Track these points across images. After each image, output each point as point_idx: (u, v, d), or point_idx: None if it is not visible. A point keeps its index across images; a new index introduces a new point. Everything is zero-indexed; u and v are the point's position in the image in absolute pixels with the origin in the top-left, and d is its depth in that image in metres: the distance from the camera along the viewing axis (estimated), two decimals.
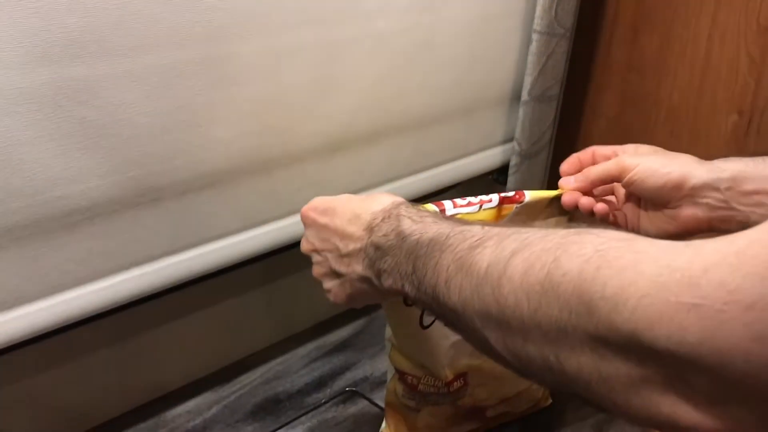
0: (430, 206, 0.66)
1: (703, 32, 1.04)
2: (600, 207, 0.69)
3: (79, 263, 0.67)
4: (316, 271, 0.62)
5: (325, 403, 0.87)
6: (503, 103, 1.04)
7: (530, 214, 0.71)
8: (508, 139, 1.08)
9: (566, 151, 1.25)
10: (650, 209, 0.66)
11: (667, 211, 0.64)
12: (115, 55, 0.61)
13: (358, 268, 0.56)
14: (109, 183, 0.65)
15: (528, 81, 1.00)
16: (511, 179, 1.08)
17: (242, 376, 0.92)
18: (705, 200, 0.61)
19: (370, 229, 0.55)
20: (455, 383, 0.74)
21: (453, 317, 0.46)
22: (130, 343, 0.83)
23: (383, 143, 0.89)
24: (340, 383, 0.91)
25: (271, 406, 0.87)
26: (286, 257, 0.87)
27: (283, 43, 0.73)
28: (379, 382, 0.91)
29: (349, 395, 0.89)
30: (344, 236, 0.57)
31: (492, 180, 1.15)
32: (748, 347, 0.28)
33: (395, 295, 0.54)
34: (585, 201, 0.69)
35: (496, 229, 0.45)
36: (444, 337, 0.72)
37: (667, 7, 1.07)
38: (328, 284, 0.61)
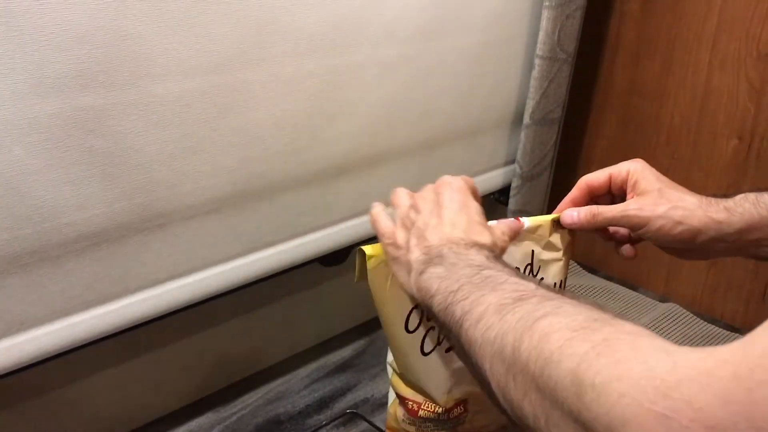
0: None
1: (704, 58, 1.06)
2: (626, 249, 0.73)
3: (85, 288, 0.68)
4: (404, 222, 0.62)
5: (325, 425, 0.88)
6: (505, 126, 1.05)
7: (535, 241, 0.72)
8: (510, 161, 1.09)
9: (567, 172, 1.27)
10: None
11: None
12: (123, 85, 0.62)
13: (416, 253, 0.57)
14: (115, 209, 0.66)
15: (530, 105, 1.01)
16: (512, 201, 1.09)
17: (244, 396, 0.92)
18: (715, 248, 0.64)
19: (449, 240, 0.57)
20: (455, 410, 0.74)
21: (466, 347, 0.48)
22: (132, 363, 0.84)
23: (387, 166, 0.90)
24: (341, 405, 0.91)
25: (273, 428, 0.87)
26: (291, 276, 0.88)
27: (289, 70, 0.74)
28: (380, 404, 0.91)
29: (349, 417, 0.89)
30: (436, 227, 0.58)
31: (494, 200, 1.16)
32: None
33: (415, 294, 0.56)
34: (584, 209, 0.70)
35: (542, 291, 0.47)
36: (444, 364, 0.72)
37: (668, 33, 1.08)
38: (399, 235, 0.61)
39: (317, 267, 0.93)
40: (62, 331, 0.67)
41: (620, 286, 1.22)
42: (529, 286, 0.48)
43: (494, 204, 1.17)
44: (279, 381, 0.96)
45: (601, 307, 0.43)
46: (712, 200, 0.64)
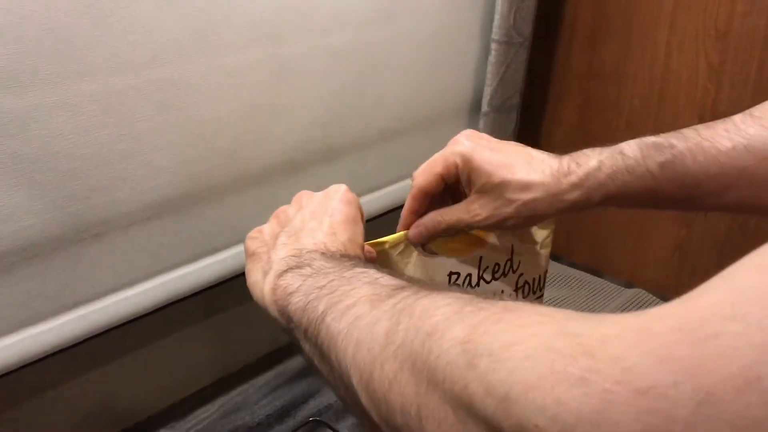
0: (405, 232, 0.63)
1: (662, 38, 1.03)
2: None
3: (17, 307, 0.62)
4: (278, 215, 0.57)
5: None
6: (464, 114, 1.01)
7: (514, 235, 0.68)
8: None
9: None
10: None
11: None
12: (48, 84, 0.56)
13: (282, 252, 0.50)
14: (46, 220, 0.61)
15: (488, 91, 0.98)
16: None
17: (198, 410, 0.87)
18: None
19: (324, 247, 0.51)
20: None
21: (325, 345, 0.40)
22: (76, 382, 0.78)
23: (341, 161, 0.86)
24: (304, 413, 0.87)
25: None
26: (239, 282, 0.82)
27: (231, 62, 0.69)
28: (344, 410, 0.87)
29: (313, 425, 0.85)
30: (314, 230, 0.52)
31: None
32: None
33: (264, 299, 0.49)
34: (427, 220, 0.63)
35: (426, 283, 0.40)
36: None
37: (625, 14, 1.05)
38: (256, 244, 0.55)
39: None
40: None
41: (585, 273, 1.20)
42: (412, 282, 0.41)
43: None
44: (236, 391, 0.91)
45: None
46: (562, 173, 0.56)
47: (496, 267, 0.69)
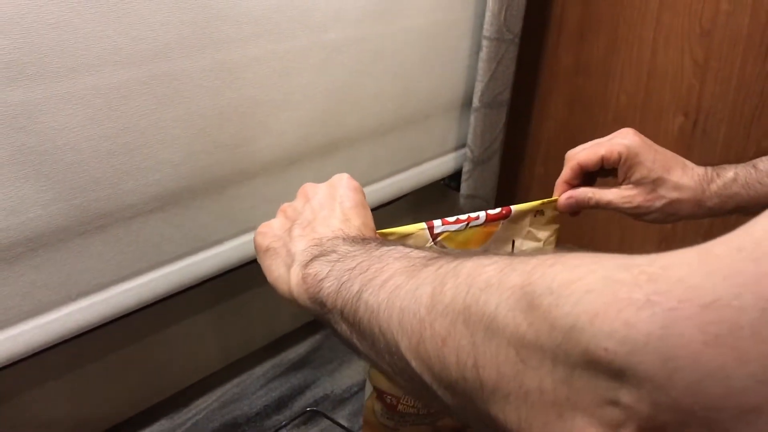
0: (419, 224, 0.65)
1: (648, 35, 1.06)
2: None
3: (22, 297, 0.63)
4: (285, 209, 0.58)
5: (285, 425, 0.85)
6: (455, 110, 1.03)
7: (516, 231, 0.70)
8: (461, 146, 1.07)
9: (516, 155, 1.26)
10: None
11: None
12: (54, 77, 0.57)
13: (301, 244, 0.51)
14: (51, 212, 0.61)
15: (479, 87, 0.99)
16: (464, 185, 1.08)
17: (198, 400, 0.89)
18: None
19: (343, 233, 0.51)
20: None
21: (365, 320, 0.41)
22: (79, 372, 0.79)
23: (338, 155, 0.87)
24: (300, 403, 0.88)
25: (230, 431, 0.84)
26: (237, 274, 0.84)
27: (234, 57, 0.70)
28: (341, 400, 0.89)
29: (310, 415, 0.87)
30: (327, 218, 0.53)
31: (443, 185, 1.15)
32: (698, 351, 0.24)
33: (291, 290, 0.49)
34: (580, 193, 0.71)
35: (466, 253, 0.41)
36: None
37: (612, 11, 1.08)
38: (268, 239, 0.55)
39: None
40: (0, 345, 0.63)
41: None
42: (443, 252, 0.43)
43: (444, 189, 1.15)
44: (234, 382, 0.92)
45: None
46: (706, 180, 0.66)
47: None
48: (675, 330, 0.25)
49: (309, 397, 0.89)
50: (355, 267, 0.44)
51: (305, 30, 0.75)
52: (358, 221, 0.53)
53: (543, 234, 0.73)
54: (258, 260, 0.55)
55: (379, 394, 0.74)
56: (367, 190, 0.93)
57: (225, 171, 0.74)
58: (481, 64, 0.98)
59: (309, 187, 0.58)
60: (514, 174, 1.28)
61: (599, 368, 0.27)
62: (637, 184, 0.68)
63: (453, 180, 1.13)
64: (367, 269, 0.43)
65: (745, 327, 0.24)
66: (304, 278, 0.48)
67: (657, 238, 1.13)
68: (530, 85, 1.20)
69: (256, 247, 0.55)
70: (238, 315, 0.95)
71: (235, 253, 0.79)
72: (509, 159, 1.24)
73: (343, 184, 0.57)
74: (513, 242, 0.71)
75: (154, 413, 0.86)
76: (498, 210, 0.68)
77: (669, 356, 0.25)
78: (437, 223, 0.66)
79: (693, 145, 1.06)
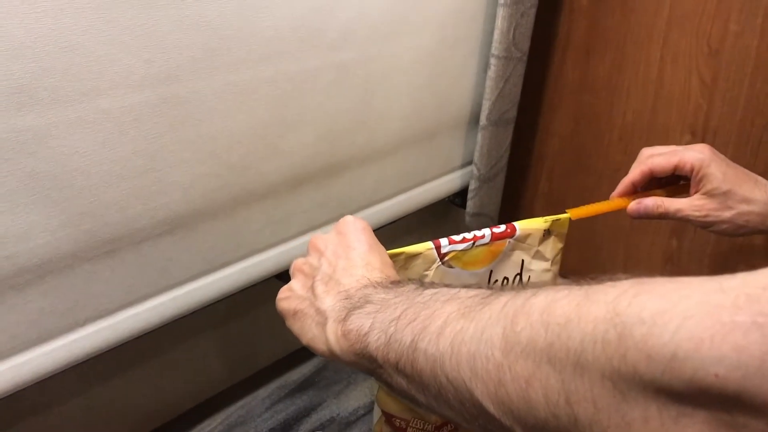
0: (427, 243, 0.65)
1: (655, 54, 1.05)
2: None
3: (29, 325, 0.61)
4: (301, 268, 0.56)
5: None
6: (462, 128, 1.02)
7: (524, 250, 0.69)
8: (467, 163, 1.07)
9: (519, 172, 1.25)
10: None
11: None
12: (66, 101, 0.56)
13: (329, 300, 0.50)
14: (60, 238, 0.60)
15: (486, 106, 0.99)
16: (470, 203, 1.07)
17: (202, 424, 0.87)
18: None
19: (369, 281, 0.50)
20: (445, 427, 0.72)
21: (427, 372, 0.40)
22: (79, 398, 0.77)
23: (345, 175, 0.86)
24: (307, 426, 0.87)
25: None
26: (245, 294, 0.83)
27: (244, 78, 0.69)
28: (347, 423, 0.88)
29: None
30: (347, 268, 0.52)
31: (448, 202, 1.14)
32: None
33: (334, 349, 0.47)
34: (650, 201, 0.72)
35: (508, 289, 0.41)
36: None
37: (620, 29, 1.07)
38: (293, 302, 0.54)
39: (273, 281, 0.88)
40: (6, 373, 0.61)
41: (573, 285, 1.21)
42: (488, 290, 0.41)
43: (449, 207, 1.15)
44: (239, 404, 0.91)
45: None
46: None
47: (505, 281, 0.70)
48: None
49: (315, 420, 0.88)
50: (399, 316, 0.43)
51: (316, 50, 0.74)
52: (378, 263, 0.52)
53: (551, 254, 0.72)
54: (288, 326, 0.53)
55: (388, 418, 0.73)
56: (373, 210, 0.92)
57: (234, 193, 0.73)
58: (489, 83, 0.97)
59: (319, 240, 0.57)
60: (518, 190, 1.27)
61: (711, 394, 0.26)
62: (708, 195, 0.70)
63: (458, 197, 1.12)
64: (416, 318, 0.42)
65: None
66: (345, 335, 0.46)
67: (662, 258, 1.13)
68: (535, 101, 1.20)
69: (282, 313, 0.54)
70: (243, 335, 0.94)
71: (242, 276, 0.78)
72: (513, 175, 1.23)
73: (350, 228, 0.56)
74: (522, 262, 0.70)
75: None
76: (503, 228, 0.67)
77: None
78: (444, 242, 0.66)
79: None
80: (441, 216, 1.16)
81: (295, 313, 0.52)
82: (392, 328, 0.43)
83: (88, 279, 0.64)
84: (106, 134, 0.60)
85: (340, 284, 0.50)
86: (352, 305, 0.47)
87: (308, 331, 0.50)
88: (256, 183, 0.75)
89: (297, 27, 0.71)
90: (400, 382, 0.43)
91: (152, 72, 0.61)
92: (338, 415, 0.89)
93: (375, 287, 0.48)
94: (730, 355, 0.25)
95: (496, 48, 0.95)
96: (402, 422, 0.72)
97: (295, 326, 0.52)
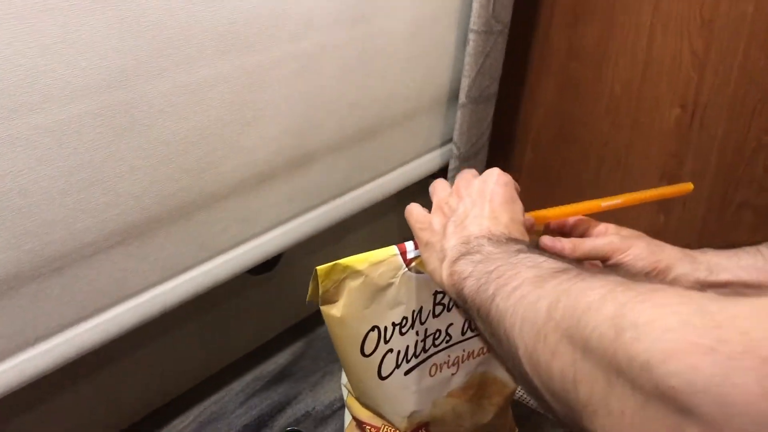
0: (390, 249, 0.64)
1: (645, 21, 1.00)
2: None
3: None
4: (442, 207, 0.61)
5: None
6: (440, 106, 0.98)
7: None
8: (447, 141, 1.02)
9: (504, 146, 1.21)
10: None
11: None
12: None
13: (453, 240, 0.55)
14: (0, 260, 0.56)
15: (465, 83, 0.94)
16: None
17: (175, 420, 0.85)
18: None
19: (490, 232, 0.55)
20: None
21: (495, 322, 0.46)
22: (51, 401, 0.75)
23: (316, 165, 0.82)
24: (281, 422, 0.85)
25: None
26: (215, 288, 0.79)
27: (197, 77, 0.64)
28: (322, 417, 0.86)
29: None
30: (477, 217, 0.56)
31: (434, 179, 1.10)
32: (754, 401, 0.26)
33: (443, 281, 0.54)
34: (569, 249, 0.65)
35: (584, 269, 0.44)
36: (404, 387, 0.68)
37: None
38: (427, 234, 0.59)
39: (244, 274, 0.85)
40: None
41: None
42: (572, 264, 0.45)
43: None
44: (213, 399, 0.89)
45: None
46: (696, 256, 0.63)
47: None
48: (734, 379, 0.27)
49: (290, 414, 0.86)
50: (493, 270, 0.48)
51: (275, 41, 0.69)
52: (506, 218, 0.56)
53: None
54: (419, 251, 0.61)
55: (358, 423, 0.72)
56: (350, 196, 0.89)
57: (192, 196, 0.69)
58: (467, 59, 0.92)
59: (463, 185, 0.61)
60: (502, 163, 1.23)
61: (668, 402, 0.29)
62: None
63: (443, 174, 1.08)
64: (502, 275, 0.46)
65: None
66: (451, 275, 0.52)
67: (650, 231, 1.09)
68: (520, 71, 1.14)
69: (417, 239, 0.61)
70: (215, 327, 0.91)
71: (208, 278, 0.75)
72: (497, 149, 1.18)
73: (492, 179, 0.59)
74: None
75: None
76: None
77: (726, 402, 0.27)
78: (410, 246, 0.64)
79: (690, 140, 1.01)
80: (424, 195, 1.12)
81: (427, 243, 0.59)
82: (483, 279, 0.48)
83: (35, 298, 0.61)
84: (42, 150, 0.55)
85: (466, 229, 0.55)
86: (467, 250, 0.53)
87: (431, 263, 0.57)
88: (216, 184, 0.71)
89: (252, 19, 0.66)
90: (481, 326, 0.49)
91: (91, 80, 0.56)
92: (314, 409, 0.87)
93: (490, 239, 0.53)
94: (686, 372, 0.29)
95: (474, 22, 0.90)
96: (372, 429, 0.70)
97: (423, 254, 0.59)
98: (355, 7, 0.75)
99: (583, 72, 1.08)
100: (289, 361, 0.95)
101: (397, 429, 0.70)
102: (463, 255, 0.52)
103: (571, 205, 0.67)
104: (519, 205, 0.59)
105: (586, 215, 0.69)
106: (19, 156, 0.54)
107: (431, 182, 1.06)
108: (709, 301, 0.31)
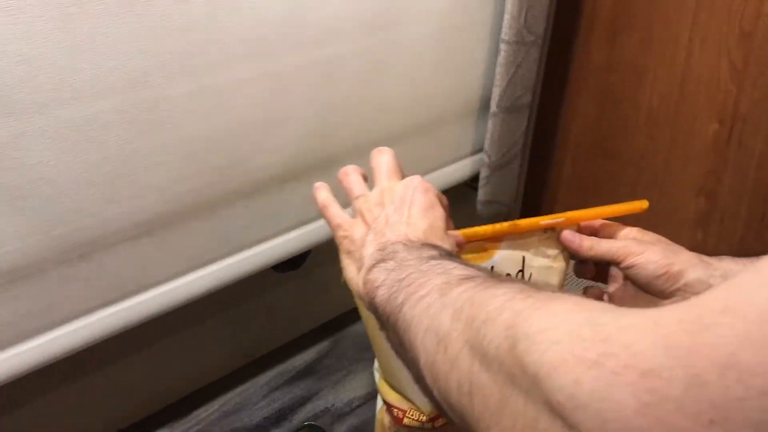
0: None
1: (684, 34, 0.99)
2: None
3: (4, 326, 0.63)
4: (364, 214, 0.61)
5: None
6: (471, 115, 0.99)
7: (525, 246, 0.67)
8: (478, 150, 1.03)
9: (543, 156, 1.21)
10: (639, 294, 0.64)
11: (657, 300, 0.62)
12: (24, 113, 0.56)
13: (371, 248, 0.55)
14: (29, 244, 0.61)
15: (496, 92, 0.95)
16: (481, 192, 1.04)
17: (199, 409, 0.89)
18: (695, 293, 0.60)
19: (406, 238, 0.55)
20: (440, 419, 0.72)
21: (402, 332, 0.45)
22: (76, 384, 0.80)
23: (339, 168, 0.84)
24: (300, 416, 0.88)
25: None
26: (244, 282, 0.83)
27: (222, 80, 0.67)
28: (341, 414, 0.88)
29: (308, 430, 0.86)
30: (396, 223, 0.57)
31: (466, 186, 1.11)
32: (630, 418, 0.25)
33: (360, 291, 0.54)
34: (586, 246, 0.66)
35: (493, 275, 0.45)
36: None
37: (647, 8, 1.01)
38: (357, 230, 0.60)
39: (270, 271, 0.88)
40: None
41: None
42: (480, 272, 0.45)
43: (467, 191, 1.12)
44: (237, 390, 0.92)
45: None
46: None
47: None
48: (614, 394, 0.26)
49: (309, 410, 0.89)
50: (404, 278, 0.47)
51: (299, 47, 0.72)
52: (424, 224, 0.56)
53: (553, 251, 0.69)
54: (340, 258, 0.61)
55: (388, 406, 0.74)
56: None
57: (216, 192, 0.73)
58: (498, 69, 0.93)
59: (387, 194, 0.61)
60: (540, 176, 1.23)
61: (556, 417, 0.28)
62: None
63: (475, 181, 1.09)
64: (412, 282, 0.46)
65: (671, 399, 0.25)
66: (365, 283, 0.53)
67: (688, 248, 1.08)
68: (559, 82, 1.15)
69: (338, 244, 0.61)
70: (244, 320, 0.94)
71: (229, 272, 0.78)
72: (537, 159, 1.19)
73: (412, 186, 0.60)
74: (523, 258, 0.68)
75: (154, 422, 0.87)
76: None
77: (606, 419, 0.26)
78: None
79: (728, 156, 0.99)
80: (458, 201, 1.13)
81: (348, 252, 0.59)
82: (395, 288, 0.48)
83: (62, 281, 0.65)
84: (70, 143, 0.60)
85: (384, 236, 0.55)
86: (382, 257, 0.53)
87: (350, 271, 0.58)
88: (240, 181, 0.74)
89: (276, 24, 0.69)
90: (391, 336, 0.48)
91: (118, 79, 0.60)
92: (333, 405, 0.90)
93: (406, 245, 0.53)
94: (569, 386, 0.28)
95: (506, 33, 0.91)
96: (399, 412, 0.72)
97: (344, 262, 0.60)
98: (381, 14, 0.78)
99: (621, 85, 1.08)
100: (315, 359, 0.97)
101: (422, 413, 0.72)
102: (378, 262, 0.52)
103: (510, 222, 0.66)
104: (440, 212, 0.59)
105: (568, 226, 0.67)
106: (48, 148, 0.59)
107: (462, 190, 1.08)
108: (602, 313, 0.30)
